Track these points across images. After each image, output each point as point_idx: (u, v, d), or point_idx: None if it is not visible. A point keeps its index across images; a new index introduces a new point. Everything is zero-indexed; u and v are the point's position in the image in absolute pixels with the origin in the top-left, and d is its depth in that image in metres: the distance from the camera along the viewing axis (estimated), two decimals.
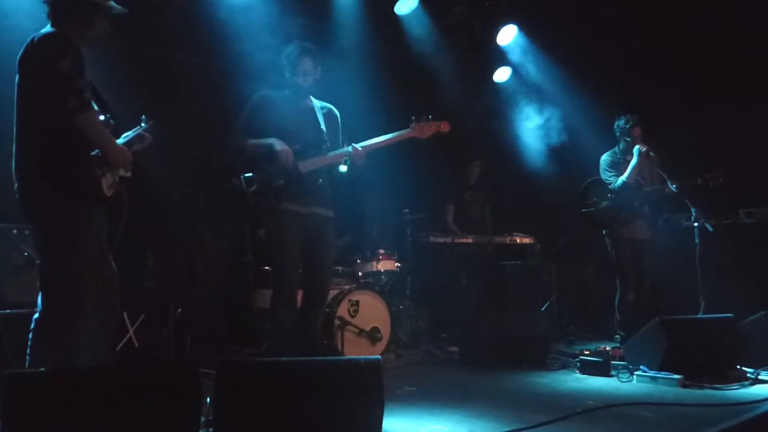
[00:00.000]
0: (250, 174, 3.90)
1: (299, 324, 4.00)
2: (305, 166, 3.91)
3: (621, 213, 5.38)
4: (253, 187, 3.88)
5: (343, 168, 4.01)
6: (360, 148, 3.94)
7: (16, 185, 2.85)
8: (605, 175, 5.50)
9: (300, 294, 4.06)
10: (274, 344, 3.95)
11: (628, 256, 5.37)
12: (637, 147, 5.32)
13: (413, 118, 4.04)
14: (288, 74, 3.98)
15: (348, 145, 3.99)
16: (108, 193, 2.94)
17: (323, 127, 4.04)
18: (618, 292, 5.41)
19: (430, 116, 4.04)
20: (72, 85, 2.75)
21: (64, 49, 2.78)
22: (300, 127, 3.97)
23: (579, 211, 5.66)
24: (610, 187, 5.42)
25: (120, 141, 3.16)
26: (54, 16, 2.94)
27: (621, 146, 5.53)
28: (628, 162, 5.36)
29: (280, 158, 3.82)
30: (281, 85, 4.11)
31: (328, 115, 4.15)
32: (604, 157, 5.57)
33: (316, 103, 4.14)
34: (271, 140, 3.86)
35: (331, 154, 3.96)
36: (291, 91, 4.06)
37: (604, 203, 5.49)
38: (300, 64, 3.94)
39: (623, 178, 5.32)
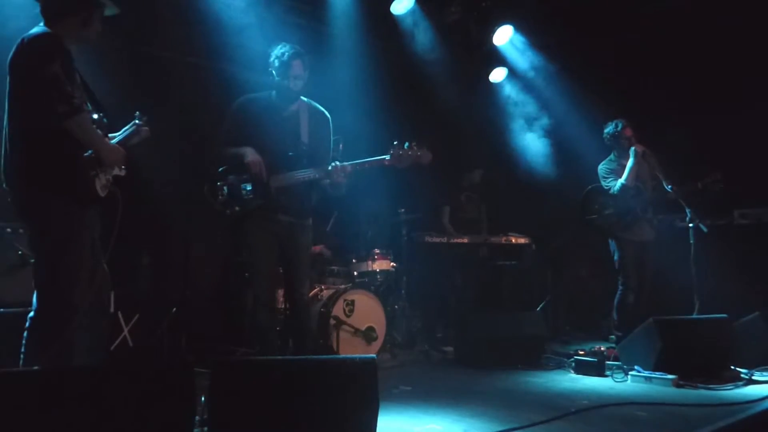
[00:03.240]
0: (221, 182, 3.82)
1: (290, 327, 3.98)
2: (277, 180, 3.80)
3: (623, 218, 5.39)
4: (222, 196, 3.80)
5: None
6: (340, 167, 3.76)
7: (5, 185, 2.82)
8: (604, 182, 5.52)
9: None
10: (259, 345, 3.94)
11: (631, 258, 5.37)
12: (633, 148, 5.34)
13: (394, 143, 3.77)
14: (278, 77, 3.85)
15: (332, 162, 3.81)
16: (102, 193, 2.92)
17: (304, 138, 3.89)
18: (618, 293, 5.42)
19: (413, 143, 3.76)
20: (61, 90, 2.68)
21: (54, 52, 2.71)
22: (277, 137, 3.84)
23: (581, 219, 5.66)
24: (610, 192, 5.44)
25: (116, 138, 3.15)
26: (48, 14, 2.86)
27: (615, 152, 5.55)
28: (624, 167, 5.38)
29: (251, 170, 3.75)
30: (269, 85, 3.99)
31: (318, 120, 3.99)
32: (601, 166, 5.59)
33: (306, 106, 3.99)
34: (245, 150, 3.78)
35: (302, 173, 3.81)
36: (278, 94, 3.93)
37: (607, 210, 5.49)
38: (292, 67, 3.81)
39: (621, 180, 5.33)
